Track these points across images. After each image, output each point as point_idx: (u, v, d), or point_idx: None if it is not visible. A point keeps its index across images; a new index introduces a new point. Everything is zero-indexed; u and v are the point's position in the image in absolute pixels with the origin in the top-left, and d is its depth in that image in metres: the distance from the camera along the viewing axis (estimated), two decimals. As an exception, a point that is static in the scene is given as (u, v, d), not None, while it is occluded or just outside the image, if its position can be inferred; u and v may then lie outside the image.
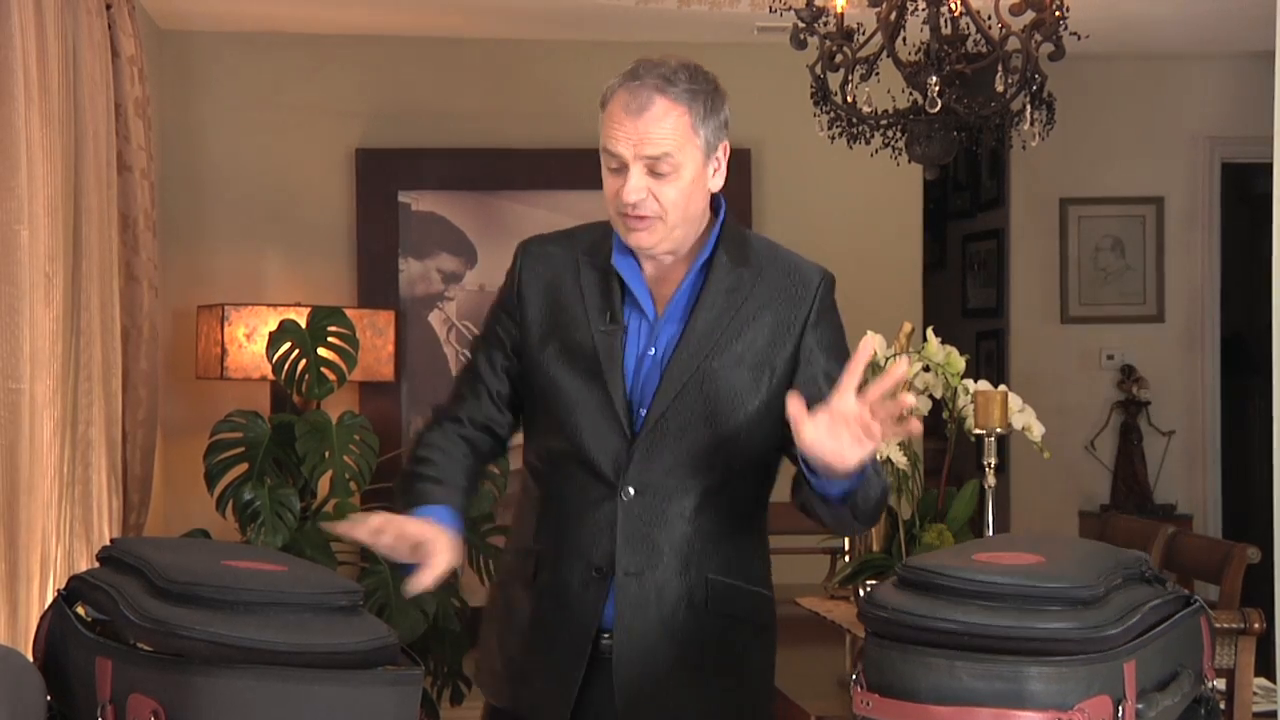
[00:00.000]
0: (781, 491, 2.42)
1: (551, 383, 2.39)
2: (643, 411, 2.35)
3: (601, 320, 2.36)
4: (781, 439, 2.31)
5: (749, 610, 2.42)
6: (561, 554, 2.38)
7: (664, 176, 2.29)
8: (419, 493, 2.36)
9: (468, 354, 2.58)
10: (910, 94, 3.89)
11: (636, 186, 2.28)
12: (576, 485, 2.38)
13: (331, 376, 4.94)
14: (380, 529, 2.20)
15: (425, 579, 2.19)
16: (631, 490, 2.34)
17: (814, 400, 2.21)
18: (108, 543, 2.07)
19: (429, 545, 2.20)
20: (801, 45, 3.88)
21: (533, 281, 2.45)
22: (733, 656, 2.40)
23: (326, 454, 4.75)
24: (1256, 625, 2.93)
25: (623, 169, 2.29)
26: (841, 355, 2.38)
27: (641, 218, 2.30)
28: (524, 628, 2.41)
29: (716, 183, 2.38)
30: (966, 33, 3.84)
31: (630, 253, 2.39)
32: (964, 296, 7.26)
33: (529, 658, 2.41)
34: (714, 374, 2.34)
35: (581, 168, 5.84)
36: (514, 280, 2.47)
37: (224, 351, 5.07)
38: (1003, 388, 3.49)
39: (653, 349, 2.37)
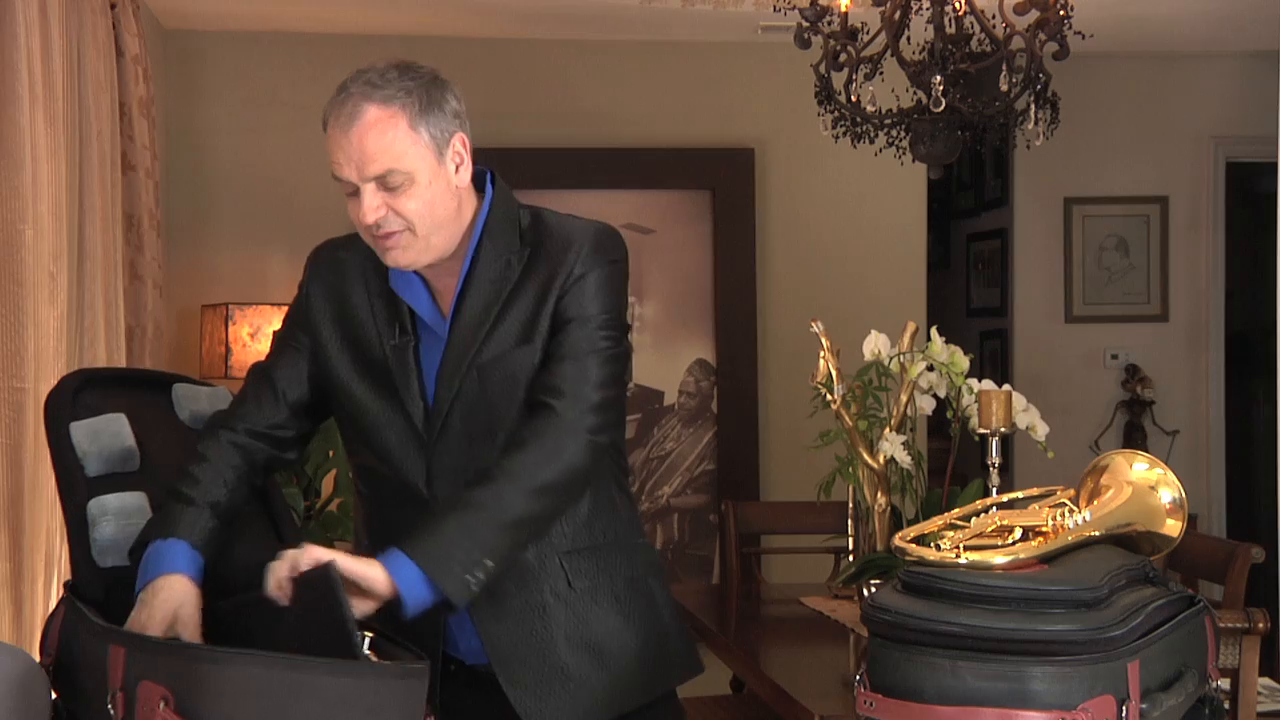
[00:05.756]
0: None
1: (351, 398, 2.29)
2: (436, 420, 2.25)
3: (390, 333, 2.27)
4: None
5: (617, 566, 2.32)
6: None
7: (397, 190, 2.18)
8: (164, 519, 2.15)
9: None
10: (914, 93, 3.89)
11: (372, 206, 2.18)
12: (394, 499, 2.28)
13: (335, 376, 4.93)
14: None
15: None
16: (439, 498, 2.23)
17: (558, 348, 2.17)
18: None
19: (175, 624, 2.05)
20: (805, 44, 3.88)
21: (321, 293, 2.37)
22: (618, 621, 2.30)
23: (330, 453, 4.76)
24: (1261, 625, 2.92)
25: (356, 192, 2.19)
26: (606, 302, 2.24)
27: (389, 235, 2.20)
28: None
29: (462, 178, 2.27)
30: (970, 32, 3.84)
31: None
32: (968, 296, 7.26)
33: None
34: (489, 364, 2.23)
35: (585, 167, 5.90)
36: (304, 292, 2.38)
37: (228, 351, 5.07)
38: (1007, 387, 3.48)
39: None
